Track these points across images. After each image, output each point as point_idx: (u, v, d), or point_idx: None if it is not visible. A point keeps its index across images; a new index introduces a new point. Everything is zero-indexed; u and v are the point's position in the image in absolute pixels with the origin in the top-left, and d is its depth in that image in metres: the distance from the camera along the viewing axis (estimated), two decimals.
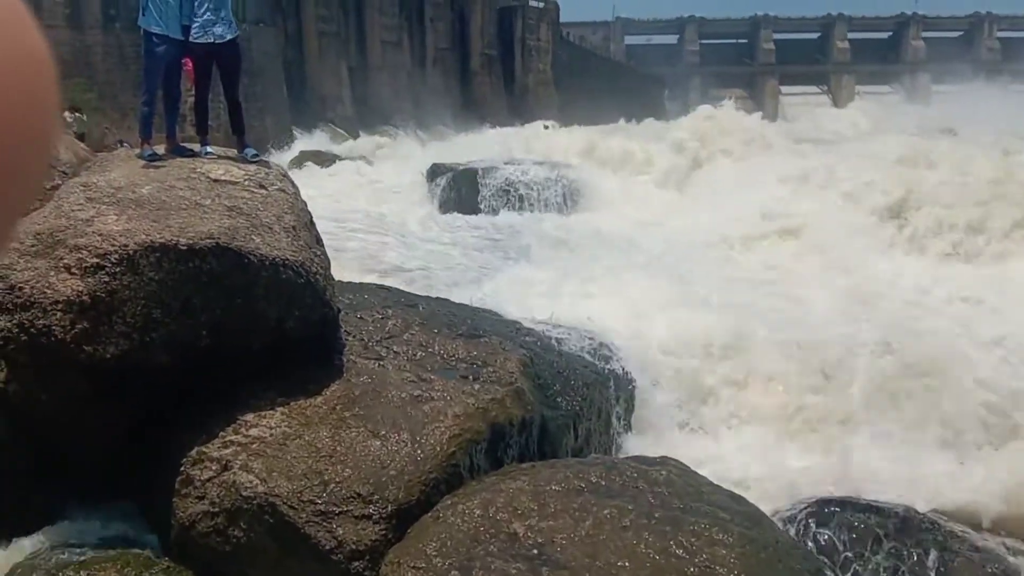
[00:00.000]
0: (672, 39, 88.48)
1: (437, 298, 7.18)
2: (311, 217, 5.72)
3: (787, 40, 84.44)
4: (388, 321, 6.03)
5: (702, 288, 9.93)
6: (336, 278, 5.89)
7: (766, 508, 4.92)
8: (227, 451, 4.65)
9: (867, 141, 24.83)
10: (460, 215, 21.39)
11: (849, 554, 5.23)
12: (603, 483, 4.53)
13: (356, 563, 4.32)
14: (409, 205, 22.62)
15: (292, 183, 5.82)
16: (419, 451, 4.69)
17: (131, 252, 4.56)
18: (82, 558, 4.51)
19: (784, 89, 79.71)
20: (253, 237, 4.92)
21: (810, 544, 5.27)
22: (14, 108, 0.53)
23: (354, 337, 5.74)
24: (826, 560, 5.14)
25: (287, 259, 4.97)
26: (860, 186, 16.93)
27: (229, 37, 5.95)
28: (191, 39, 5.88)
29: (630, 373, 6.94)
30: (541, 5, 57.47)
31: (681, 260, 12.65)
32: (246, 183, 5.44)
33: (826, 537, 5.32)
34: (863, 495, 5.74)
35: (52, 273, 4.51)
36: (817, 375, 7.52)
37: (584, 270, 10.58)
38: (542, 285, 9.58)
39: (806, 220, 15.63)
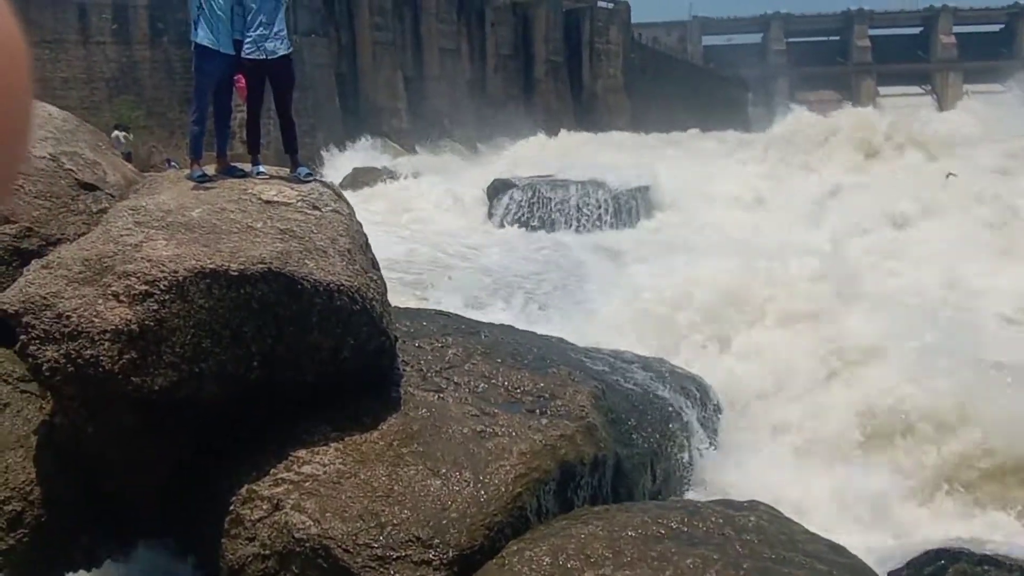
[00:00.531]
0: (755, 38, 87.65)
1: (500, 325, 7.22)
2: (367, 239, 5.83)
3: (885, 36, 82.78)
4: (448, 350, 6.08)
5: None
6: (392, 303, 5.98)
7: (871, 561, 4.77)
8: (279, 489, 4.74)
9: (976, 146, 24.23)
10: (525, 233, 21.51)
11: None
12: (685, 529, 4.46)
13: None
14: (469, 223, 22.86)
15: (347, 203, 5.94)
16: (482, 492, 4.71)
17: (181, 278, 4.71)
18: None
19: (882, 90, 77.97)
20: (306, 261, 5.03)
21: None
22: None
23: (412, 367, 5.80)
24: None
25: (342, 284, 5.07)
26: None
27: (282, 53, 6.13)
28: (243, 55, 6.08)
29: (714, 407, 6.85)
30: (611, 6, 57.52)
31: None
32: (299, 204, 5.57)
33: None
34: (982, 545, 5.52)
35: (100, 301, 4.69)
36: (936, 420, 7.26)
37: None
38: (616, 310, 9.55)
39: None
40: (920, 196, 18.91)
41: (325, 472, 4.81)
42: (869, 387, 7.76)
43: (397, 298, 7.06)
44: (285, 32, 6.17)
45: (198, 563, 4.99)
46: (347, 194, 6.57)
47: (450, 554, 4.43)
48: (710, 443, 6.60)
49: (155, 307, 4.68)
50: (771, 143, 27.03)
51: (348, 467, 4.84)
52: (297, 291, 4.93)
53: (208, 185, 5.78)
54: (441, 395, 5.51)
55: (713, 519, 4.59)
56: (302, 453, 4.89)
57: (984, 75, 73.69)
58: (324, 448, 4.93)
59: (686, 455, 6.31)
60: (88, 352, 4.61)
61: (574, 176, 24.01)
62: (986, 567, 5.23)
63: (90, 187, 5.90)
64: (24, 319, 4.67)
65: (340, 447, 4.95)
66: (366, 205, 21.68)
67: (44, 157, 5.83)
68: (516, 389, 5.70)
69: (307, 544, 4.54)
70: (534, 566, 4.25)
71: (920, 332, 8.41)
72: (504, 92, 50.70)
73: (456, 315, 7.26)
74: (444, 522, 4.55)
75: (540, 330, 7.54)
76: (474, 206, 24.62)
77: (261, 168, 6.20)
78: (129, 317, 4.65)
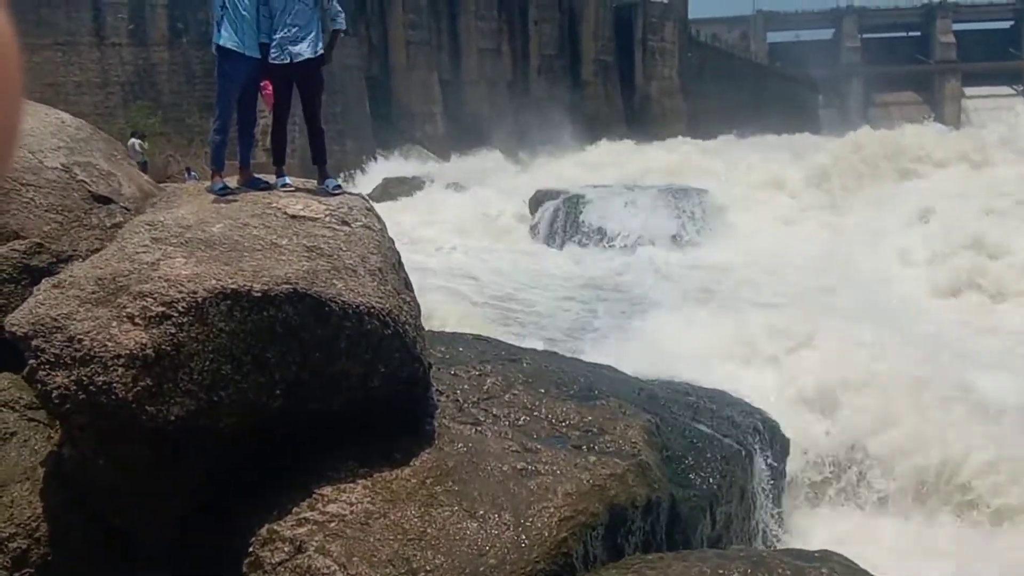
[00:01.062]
0: (826, 34, 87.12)
1: (544, 351, 7.25)
2: (399, 257, 5.88)
3: (971, 31, 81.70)
4: (487, 379, 6.10)
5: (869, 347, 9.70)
6: (426, 327, 6.01)
7: None
8: (301, 530, 4.77)
9: None
10: (570, 249, 21.54)
11: None
12: None
13: None
14: (510, 239, 22.96)
15: (378, 218, 6.00)
16: (523, 536, 4.69)
17: (200, 300, 4.79)
18: None
19: (968, 91, 76.89)
20: (335, 282, 5.09)
21: None
22: None
23: (447, 397, 5.83)
24: None
25: (373, 307, 5.11)
26: None
27: (307, 56, 6.22)
28: (269, 59, 6.19)
29: (782, 447, 6.77)
30: (666, 1, 57.61)
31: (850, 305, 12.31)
32: (327, 219, 5.63)
33: None
34: None
35: (114, 323, 4.78)
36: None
37: (723, 318, 10.48)
38: (673, 335, 9.54)
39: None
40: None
41: (352, 512, 4.83)
42: (950, 441, 7.71)
43: (430, 322, 7.10)
44: (316, 34, 6.24)
45: None
46: (376, 206, 6.64)
47: None
48: (777, 486, 6.52)
49: (172, 331, 4.75)
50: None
51: (377, 507, 4.85)
52: (324, 314, 4.98)
53: (230, 198, 5.88)
54: (479, 428, 5.52)
55: (780, 570, 4.52)
56: (327, 491, 4.92)
57: None
58: (351, 485, 4.96)
59: (750, 499, 6.23)
60: (101, 378, 4.69)
61: (627, 187, 24.02)
62: None
63: (104, 200, 6.03)
64: (33, 342, 4.76)
65: (368, 484, 4.97)
66: (397, 218, 21.89)
67: (56, 168, 5.97)
68: (561, 422, 5.69)
69: None
70: None
71: None
72: (548, 95, 50.92)
73: (496, 340, 7.29)
74: (482, 569, 4.54)
75: (588, 357, 7.52)
76: (515, 221, 24.74)
77: (286, 180, 6.29)
78: (145, 341, 4.73)
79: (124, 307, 4.83)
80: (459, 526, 4.75)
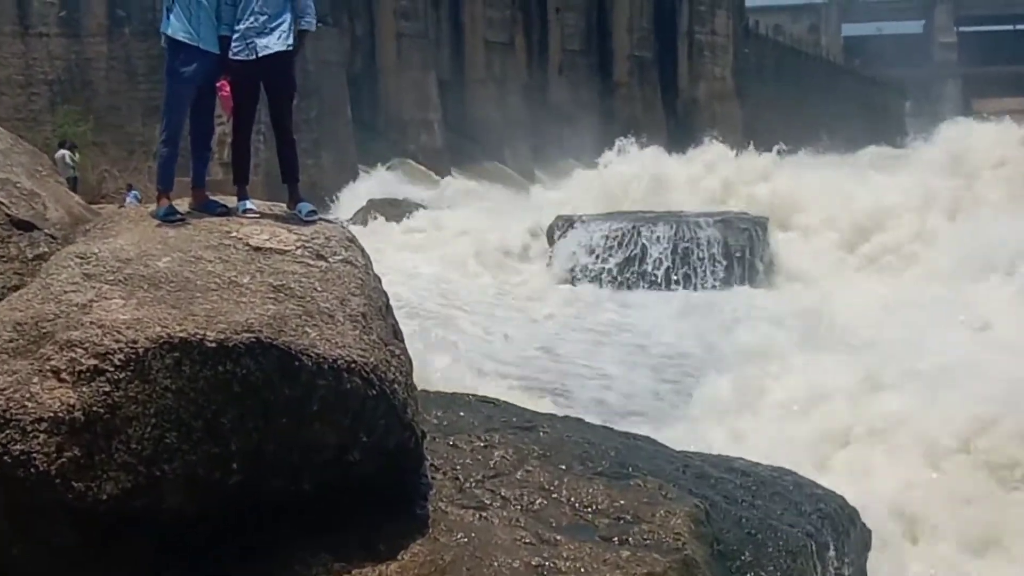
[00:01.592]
0: (914, 27, 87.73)
1: (564, 417, 7.23)
2: (387, 299, 5.89)
3: None
4: (494, 451, 6.08)
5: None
6: (419, 386, 6.00)
7: None
8: None
9: None
10: (597, 291, 21.56)
11: None
12: None
13: None
14: (523, 275, 23.02)
15: (362, 251, 6.01)
16: None
17: (141, 351, 4.79)
18: None
19: None
20: (307, 329, 5.09)
21: None
22: None
23: (445, 475, 5.81)
24: None
25: (354, 361, 5.11)
26: None
27: (276, 50, 6.27)
28: (230, 54, 6.24)
29: (862, 541, 6.73)
30: None
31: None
32: (299, 252, 5.65)
33: None
34: None
35: (36, 379, 4.78)
36: None
37: (792, 380, 10.53)
38: (726, 397, 9.56)
39: None
40: None
41: None
42: None
43: (426, 379, 7.10)
44: (288, 24, 6.30)
45: None
46: (359, 235, 6.67)
47: None
48: None
49: (107, 389, 4.75)
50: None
51: None
52: (294, 369, 4.98)
53: (179, 225, 5.90)
54: (484, 514, 5.49)
55: None
56: None
57: None
58: None
59: None
60: (18, 447, 4.69)
61: (665, 212, 24.09)
62: None
63: (26, 226, 6.06)
64: None
65: None
66: (384, 250, 21.98)
67: None
68: (586, 507, 5.66)
69: None
70: None
71: None
72: (572, 100, 51.30)
73: (505, 404, 7.29)
74: None
75: (620, 426, 7.51)
76: (529, 252, 24.79)
77: (249, 203, 6.32)
78: (73, 401, 4.73)
79: (48, 359, 4.84)
80: None
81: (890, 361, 11.83)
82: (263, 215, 6.20)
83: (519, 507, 5.60)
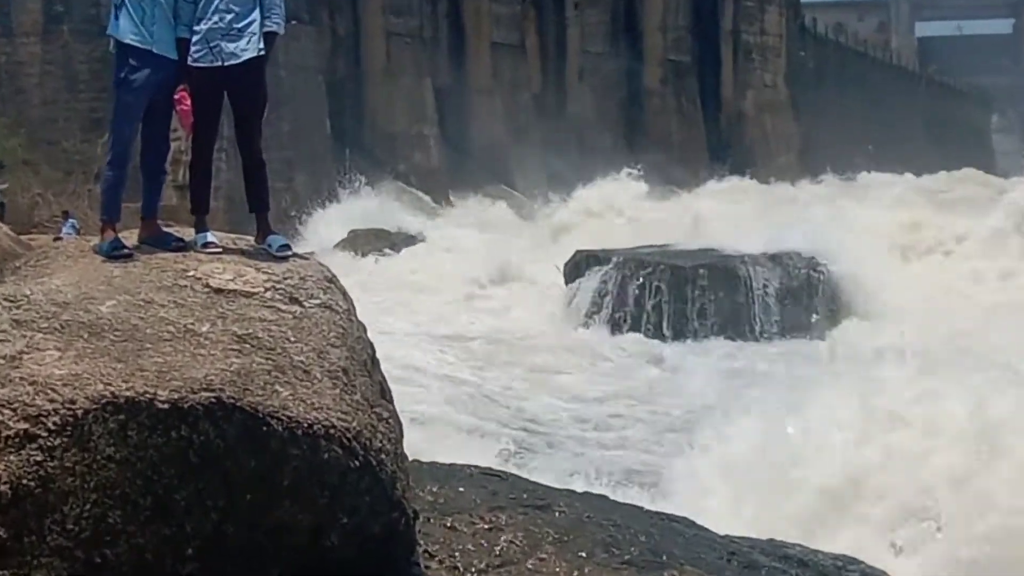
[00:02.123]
0: (1002, 26, 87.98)
1: (585, 494, 7.20)
2: (373, 352, 5.89)
3: None
4: (500, 535, 6.06)
5: None
6: (411, 456, 5.99)
7: None
8: None
9: None
10: (624, 340, 21.51)
11: None
12: None
13: None
14: (536, 321, 22.95)
15: (343, 294, 6.01)
16: None
17: (80, 413, 4.78)
18: None
19: None
20: (278, 388, 5.08)
21: None
22: None
23: (441, 563, 5.79)
24: None
25: (333, 425, 5.10)
26: None
27: (247, 56, 6.32)
28: (190, 60, 6.30)
29: None
30: None
31: None
32: (268, 295, 5.64)
33: None
34: None
35: None
36: None
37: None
38: (781, 477, 9.57)
39: None
40: None
41: None
42: None
43: (417, 446, 7.11)
44: (258, 25, 6.33)
45: None
46: (339, 272, 6.67)
47: None
48: None
49: (39, 458, 4.75)
50: None
51: None
52: (261, 436, 4.97)
53: (127, 262, 5.92)
54: None
55: None
56: None
57: None
58: None
59: None
60: None
61: (706, 248, 24.06)
62: None
63: None
64: None
65: None
66: (371, 290, 22.00)
67: None
68: None
69: None
70: None
71: None
72: (594, 111, 51.39)
73: (513, 477, 7.27)
74: None
75: (651, 504, 7.49)
76: (544, 293, 24.78)
77: (209, 236, 6.32)
78: None
79: None
80: None
81: None
82: (226, 250, 6.17)
83: None
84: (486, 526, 6.16)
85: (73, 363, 5.00)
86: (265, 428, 4.99)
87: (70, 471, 4.78)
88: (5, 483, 4.74)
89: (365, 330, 5.96)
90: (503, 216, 39.87)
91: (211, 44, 6.25)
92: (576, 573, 5.85)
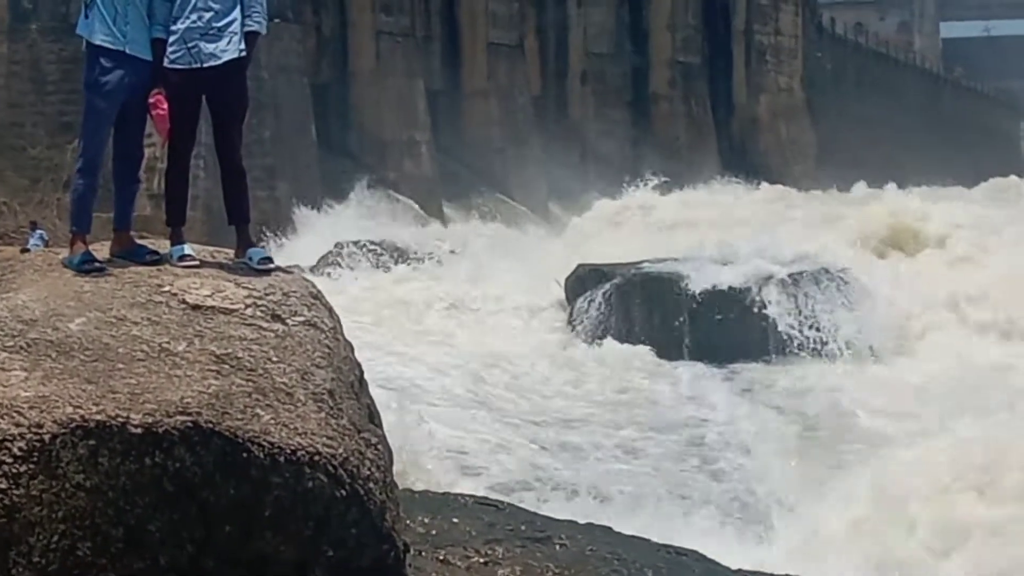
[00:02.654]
0: None
1: (587, 525, 7.18)
2: (361, 373, 5.87)
3: None
4: (497, 569, 6.04)
5: None
6: (401, 484, 5.96)
7: None
8: None
9: None
10: (631, 359, 21.48)
11: None
12: None
13: None
14: (535, 341, 22.94)
15: (328, 311, 6.00)
16: None
17: (47, 438, 4.75)
18: None
19: None
20: (259, 412, 5.06)
21: None
22: None
23: None
24: None
25: (318, 452, 5.08)
26: None
27: (227, 58, 6.30)
28: (166, 61, 6.27)
29: None
30: None
31: None
32: (249, 312, 5.63)
33: None
34: None
35: None
36: None
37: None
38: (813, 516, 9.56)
39: None
40: None
41: None
42: None
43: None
44: (239, 24, 6.32)
45: None
46: (324, 287, 6.66)
47: None
48: None
49: (3, 485, 4.72)
50: None
51: None
52: (241, 462, 4.95)
53: (99, 277, 5.90)
54: None
55: None
56: None
57: None
58: None
59: None
60: None
61: (717, 260, 24.04)
62: None
63: None
64: None
65: None
66: (358, 306, 21.99)
67: None
68: None
69: None
70: None
71: None
72: (598, 117, 51.54)
73: (510, 507, 7.25)
74: None
75: (663, 537, 7.46)
76: (545, 310, 24.78)
77: (186, 248, 6.31)
78: None
79: None
80: None
81: None
82: (203, 264, 6.19)
83: None
84: (482, 560, 6.13)
85: (40, 384, 4.98)
86: (245, 455, 4.97)
87: (37, 500, 4.75)
88: None
89: (352, 350, 5.95)
90: (500, 227, 39.88)
91: (189, 45, 6.25)
92: None
